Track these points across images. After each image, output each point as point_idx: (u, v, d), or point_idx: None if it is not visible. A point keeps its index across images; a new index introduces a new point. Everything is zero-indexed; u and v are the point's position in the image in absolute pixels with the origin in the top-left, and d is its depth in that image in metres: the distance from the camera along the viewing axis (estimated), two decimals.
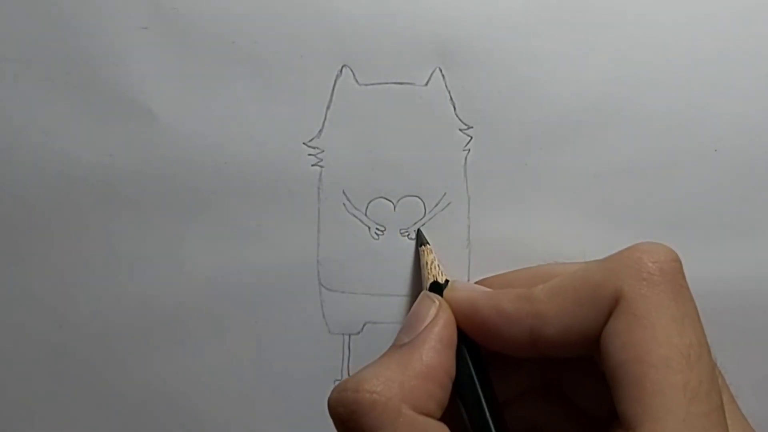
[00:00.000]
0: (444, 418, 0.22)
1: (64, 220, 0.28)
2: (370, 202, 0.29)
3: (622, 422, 0.20)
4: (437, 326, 0.24)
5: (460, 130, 0.29)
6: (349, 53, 0.28)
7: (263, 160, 0.28)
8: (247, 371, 0.29)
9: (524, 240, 0.29)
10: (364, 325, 0.29)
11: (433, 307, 0.24)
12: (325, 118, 0.28)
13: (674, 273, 0.22)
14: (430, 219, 0.29)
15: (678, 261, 0.22)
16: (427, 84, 0.29)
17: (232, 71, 0.28)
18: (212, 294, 0.29)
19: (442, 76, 0.29)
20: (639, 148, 0.29)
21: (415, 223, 0.29)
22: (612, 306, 0.22)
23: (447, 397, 0.23)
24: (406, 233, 0.29)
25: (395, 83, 0.29)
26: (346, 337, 0.29)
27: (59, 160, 0.28)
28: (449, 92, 0.29)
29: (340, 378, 0.29)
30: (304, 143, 0.28)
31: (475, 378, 0.24)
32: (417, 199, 0.29)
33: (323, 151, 0.28)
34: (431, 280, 0.27)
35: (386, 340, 0.29)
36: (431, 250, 0.28)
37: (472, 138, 0.29)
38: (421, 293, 0.26)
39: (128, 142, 0.28)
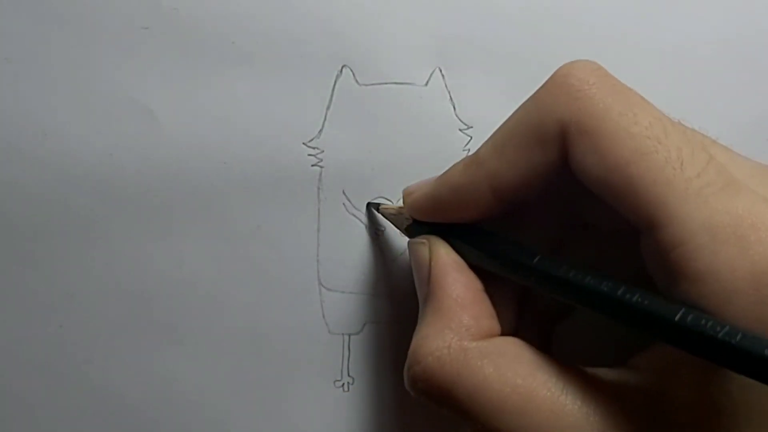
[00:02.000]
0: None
1: (64, 220, 0.28)
2: (370, 202, 0.29)
3: (639, 227, 0.20)
4: (439, 260, 0.24)
5: (460, 130, 0.29)
6: (349, 53, 0.28)
7: (263, 160, 0.28)
8: (247, 371, 0.29)
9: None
10: (364, 325, 0.29)
11: (423, 247, 0.24)
12: (325, 119, 0.28)
13: (602, 78, 0.21)
14: None
15: (601, 68, 0.22)
16: (427, 84, 0.29)
17: (232, 71, 0.28)
18: (212, 294, 0.29)
19: (442, 76, 0.29)
20: None
21: None
22: (561, 137, 0.21)
23: (492, 307, 0.23)
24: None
25: (395, 83, 0.29)
26: (346, 337, 0.29)
27: (59, 160, 0.28)
28: (449, 92, 0.29)
29: (340, 378, 0.29)
30: (304, 143, 0.28)
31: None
32: None
33: (323, 151, 0.28)
34: (409, 222, 0.26)
35: (386, 340, 0.29)
36: (388, 206, 0.28)
37: (472, 138, 0.29)
38: (407, 243, 0.26)
39: (128, 142, 0.28)
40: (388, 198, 0.29)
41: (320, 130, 0.28)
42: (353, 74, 0.28)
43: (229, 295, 0.29)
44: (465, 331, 0.22)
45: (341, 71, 0.28)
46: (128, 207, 0.28)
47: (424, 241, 0.25)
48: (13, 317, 0.28)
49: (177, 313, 0.28)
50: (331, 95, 0.28)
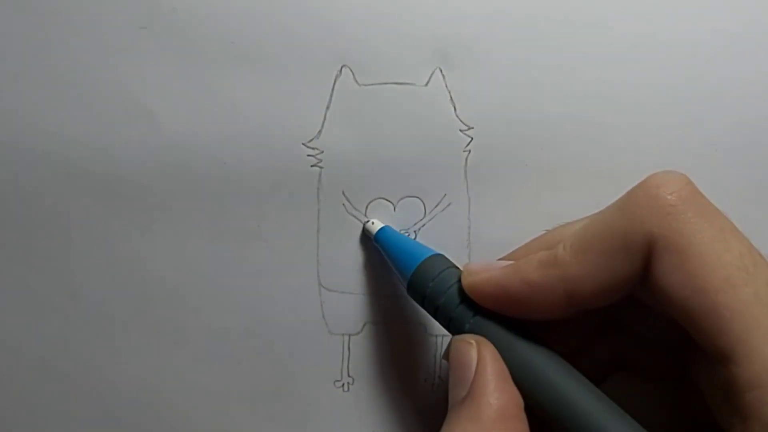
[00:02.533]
0: None
1: (64, 220, 0.28)
2: (369, 202, 0.29)
3: (712, 356, 0.20)
4: (487, 365, 0.22)
5: (461, 130, 0.29)
6: (349, 53, 0.28)
7: (263, 160, 0.28)
8: (247, 371, 0.29)
9: (524, 240, 0.29)
10: (364, 325, 0.29)
11: (471, 349, 0.23)
12: (324, 119, 0.28)
13: (694, 195, 0.21)
14: (430, 220, 0.29)
15: (691, 183, 0.21)
16: (427, 84, 0.28)
17: (232, 71, 0.28)
18: (212, 294, 0.29)
19: (442, 76, 0.28)
20: (639, 147, 0.29)
21: (415, 224, 0.29)
22: (646, 250, 0.21)
23: (527, 424, 0.22)
24: (406, 234, 0.29)
25: (395, 83, 0.28)
26: (346, 337, 0.29)
27: (59, 160, 0.28)
28: (449, 92, 0.29)
29: (339, 378, 0.29)
30: (303, 143, 0.28)
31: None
32: (417, 199, 0.29)
33: (323, 151, 0.28)
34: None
35: (386, 340, 0.29)
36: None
37: (472, 139, 0.29)
38: (452, 340, 0.24)
39: (128, 142, 0.28)
40: (388, 198, 0.29)
41: (320, 130, 0.28)
42: (353, 74, 0.28)
43: (229, 295, 0.29)
44: None
45: (341, 71, 0.28)
46: (128, 207, 0.28)
47: (472, 342, 0.23)
48: (13, 317, 0.28)
49: (177, 313, 0.29)
50: (331, 95, 0.28)
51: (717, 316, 0.19)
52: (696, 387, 0.23)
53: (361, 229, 0.29)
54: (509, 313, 0.23)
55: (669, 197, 0.21)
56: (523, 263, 0.23)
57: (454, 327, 0.24)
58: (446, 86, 0.28)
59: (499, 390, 0.22)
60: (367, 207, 0.29)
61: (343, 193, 0.29)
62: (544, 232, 0.26)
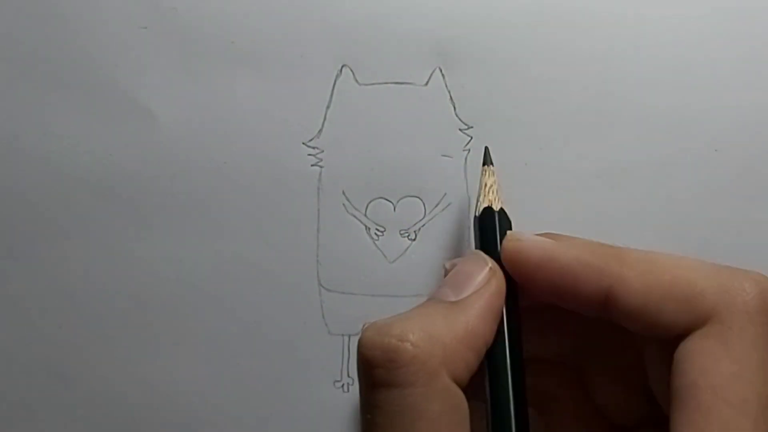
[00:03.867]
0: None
1: (64, 220, 0.28)
2: (369, 202, 0.29)
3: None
4: (488, 292, 0.22)
5: (460, 130, 0.29)
6: (349, 53, 0.28)
7: (263, 160, 0.28)
8: (247, 372, 0.29)
9: None
10: (364, 326, 0.29)
11: (486, 269, 0.23)
12: (324, 118, 0.28)
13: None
14: (430, 220, 0.29)
15: None
16: (427, 84, 0.29)
17: (232, 71, 0.28)
18: (212, 294, 0.29)
19: (442, 76, 0.29)
20: (639, 148, 0.29)
21: (415, 224, 0.29)
22: (703, 319, 0.20)
23: (477, 365, 0.22)
24: (406, 234, 0.29)
25: (395, 83, 0.28)
26: (346, 337, 0.29)
27: (59, 160, 0.28)
28: (449, 92, 0.29)
29: (339, 378, 0.29)
30: (303, 143, 0.28)
31: (509, 352, 0.23)
32: (417, 199, 0.29)
33: (323, 151, 0.28)
34: (485, 204, 0.25)
35: None
36: (494, 172, 0.26)
37: (472, 138, 0.29)
38: (473, 251, 0.24)
39: (128, 142, 0.28)
40: (388, 198, 0.29)
41: (320, 130, 0.28)
42: (353, 74, 0.28)
43: (228, 295, 0.29)
44: (451, 362, 0.20)
45: (341, 71, 0.28)
46: (128, 207, 0.28)
47: (490, 265, 0.23)
48: (13, 317, 0.28)
49: (176, 313, 0.29)
50: (331, 95, 0.28)
51: (707, 421, 0.19)
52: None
53: (361, 229, 0.29)
54: (540, 289, 0.23)
55: (758, 302, 0.20)
56: (582, 243, 0.23)
57: None
58: (446, 86, 0.28)
59: (482, 319, 0.22)
60: (367, 207, 0.29)
61: (343, 192, 0.29)
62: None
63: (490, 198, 0.25)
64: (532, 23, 0.29)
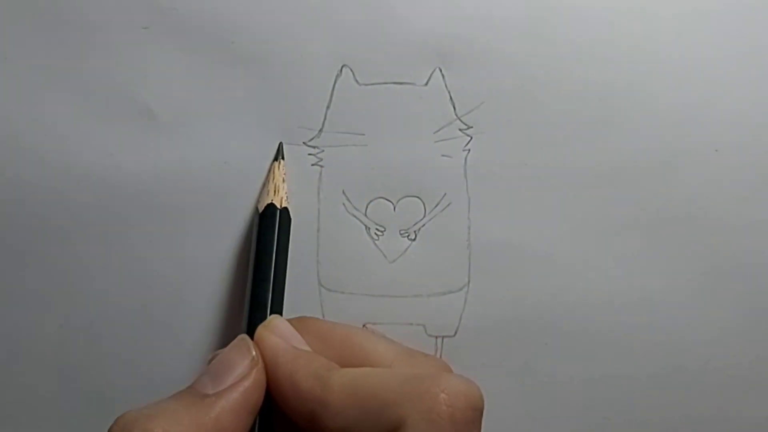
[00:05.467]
0: None
1: (64, 220, 0.28)
2: (369, 202, 0.29)
3: None
4: (244, 386, 0.22)
5: (460, 130, 0.29)
6: (349, 53, 0.28)
7: (263, 160, 0.28)
8: None
9: (524, 240, 0.29)
10: (363, 326, 0.29)
11: (247, 359, 0.23)
12: (325, 118, 0.28)
13: (466, 422, 0.21)
14: (430, 220, 0.29)
15: (477, 409, 0.21)
16: (427, 84, 0.29)
17: (232, 71, 0.28)
18: (212, 294, 0.29)
19: (442, 76, 0.29)
20: (639, 148, 0.29)
21: (415, 224, 0.29)
22: (394, 429, 0.21)
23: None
24: (406, 234, 0.29)
25: (395, 83, 0.28)
26: None
27: (59, 160, 0.28)
28: (449, 92, 0.29)
29: None
30: (304, 143, 0.28)
31: None
32: (417, 199, 0.29)
33: (323, 150, 0.28)
34: (268, 201, 0.26)
35: None
36: (283, 168, 0.27)
37: (472, 138, 0.29)
38: (239, 338, 0.24)
39: (128, 142, 0.28)
40: (388, 198, 0.29)
41: (320, 130, 0.28)
42: (353, 74, 0.28)
43: (229, 295, 0.29)
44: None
45: (341, 71, 0.28)
46: (128, 207, 0.28)
47: (253, 352, 0.24)
48: (13, 317, 0.28)
49: (177, 313, 0.29)
50: (331, 95, 0.28)
51: None
52: None
53: (361, 229, 0.29)
54: (261, 387, 0.23)
55: (444, 408, 0.21)
56: (302, 361, 0.23)
57: None
58: (446, 86, 0.28)
59: (234, 415, 0.22)
60: (367, 207, 0.29)
61: (343, 192, 0.29)
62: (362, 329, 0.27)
63: (275, 191, 0.26)
64: (532, 23, 0.29)
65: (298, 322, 0.26)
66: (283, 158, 0.27)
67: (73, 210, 0.28)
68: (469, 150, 0.29)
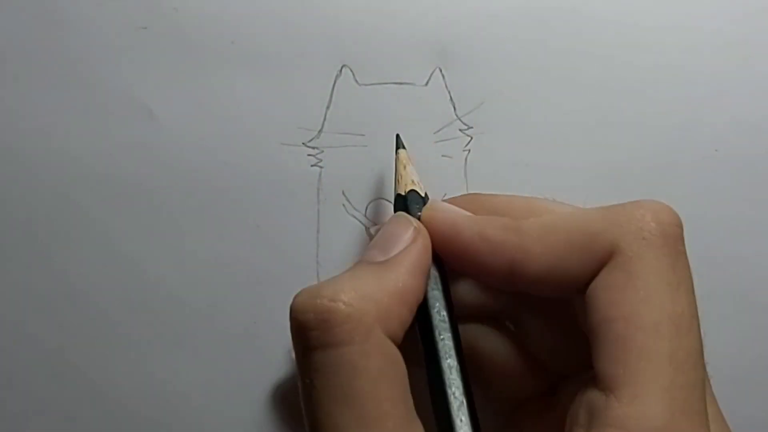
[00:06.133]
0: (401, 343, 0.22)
1: (64, 220, 0.28)
2: (369, 202, 0.29)
3: (599, 381, 0.20)
4: (415, 249, 0.22)
5: (460, 130, 0.29)
6: (349, 53, 0.28)
7: (263, 160, 0.28)
8: (247, 372, 0.29)
9: None
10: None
11: (411, 229, 0.23)
12: (324, 118, 0.28)
13: (676, 237, 0.21)
14: None
15: (680, 226, 0.21)
16: (427, 84, 0.29)
17: (232, 71, 0.28)
18: (212, 294, 0.29)
19: (442, 76, 0.29)
20: (639, 148, 0.29)
21: None
22: (605, 258, 0.21)
23: (410, 322, 0.22)
24: None
25: (395, 83, 0.28)
26: None
27: (59, 160, 0.28)
28: (449, 92, 0.29)
29: None
30: (303, 143, 0.28)
31: (441, 305, 0.23)
32: None
33: (323, 151, 0.28)
34: (410, 187, 0.25)
35: None
36: (409, 158, 0.27)
37: (472, 138, 0.29)
38: (397, 213, 0.25)
39: (128, 142, 0.28)
40: (388, 199, 0.29)
41: (320, 130, 0.28)
42: (353, 74, 0.28)
43: (228, 295, 0.29)
44: (384, 318, 0.20)
45: (341, 71, 0.28)
46: (128, 207, 0.28)
47: (414, 224, 0.23)
48: (13, 317, 0.28)
49: (176, 313, 0.29)
50: (331, 95, 0.28)
51: (626, 349, 0.19)
52: (561, 402, 0.23)
53: (361, 229, 0.29)
54: (449, 259, 0.23)
55: (653, 225, 0.21)
56: (487, 218, 0.23)
57: None
58: (446, 86, 0.28)
59: (412, 275, 0.22)
60: (367, 207, 0.29)
61: (343, 193, 0.29)
62: (532, 197, 0.26)
63: (411, 180, 0.26)
64: (532, 23, 0.29)
65: (469, 199, 0.25)
66: (404, 147, 0.27)
67: (73, 210, 0.28)
68: (469, 150, 0.29)
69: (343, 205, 0.29)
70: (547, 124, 0.29)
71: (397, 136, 0.27)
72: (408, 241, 0.23)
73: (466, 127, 0.29)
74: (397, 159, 0.27)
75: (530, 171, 0.29)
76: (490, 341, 0.25)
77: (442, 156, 0.29)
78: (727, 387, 0.30)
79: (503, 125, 0.29)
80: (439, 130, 0.29)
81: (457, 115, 0.29)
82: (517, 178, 0.29)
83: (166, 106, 0.28)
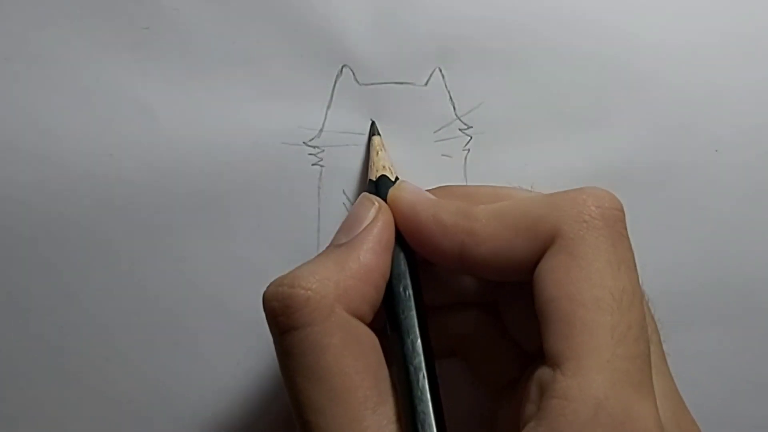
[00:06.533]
0: (373, 323, 0.23)
1: (64, 220, 0.28)
2: None
3: (547, 358, 0.20)
4: (375, 228, 0.23)
5: (460, 130, 0.29)
6: (349, 53, 0.28)
7: (263, 160, 0.28)
8: (247, 372, 0.29)
9: None
10: None
11: (372, 208, 0.24)
12: (325, 118, 0.28)
13: (615, 220, 0.22)
14: None
15: (620, 210, 0.22)
16: (427, 84, 0.29)
17: (232, 71, 0.28)
18: (212, 294, 0.29)
19: (442, 76, 0.29)
20: (639, 148, 0.29)
21: None
22: (548, 242, 0.22)
23: (380, 300, 0.23)
24: None
25: (395, 83, 0.29)
26: None
27: (59, 160, 0.28)
28: (449, 92, 0.29)
29: None
30: (304, 143, 0.28)
31: (406, 283, 0.24)
32: None
33: (323, 150, 0.28)
34: (380, 172, 0.26)
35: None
36: (382, 144, 0.28)
37: (472, 138, 0.29)
38: (361, 195, 0.26)
39: (128, 142, 0.28)
40: None
41: (320, 130, 0.28)
42: (353, 74, 0.28)
43: (229, 295, 0.29)
44: (346, 298, 0.22)
45: (341, 71, 0.28)
46: (128, 207, 0.28)
47: (375, 203, 0.24)
48: (13, 318, 0.28)
49: (177, 313, 0.28)
50: (331, 95, 0.28)
51: (569, 325, 0.20)
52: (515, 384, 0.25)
53: None
54: (409, 239, 0.24)
55: (593, 209, 0.22)
56: (442, 202, 0.24)
57: None
58: (446, 86, 0.29)
59: (373, 252, 0.23)
60: None
61: (344, 192, 0.29)
62: (500, 186, 0.27)
63: (382, 165, 0.27)
64: (531, 23, 0.29)
65: (440, 191, 0.26)
66: (379, 134, 0.28)
67: (73, 210, 0.28)
68: (469, 150, 0.29)
69: (344, 204, 0.29)
70: (546, 124, 0.29)
71: (372, 122, 0.28)
72: (369, 220, 0.24)
73: (465, 127, 0.29)
74: (371, 145, 0.28)
75: (530, 171, 0.29)
76: (473, 326, 0.26)
77: (442, 156, 0.29)
78: (727, 387, 0.30)
79: (503, 125, 0.29)
80: (438, 130, 0.29)
81: (456, 115, 0.29)
82: (516, 178, 0.29)
83: (166, 106, 0.28)
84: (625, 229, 0.22)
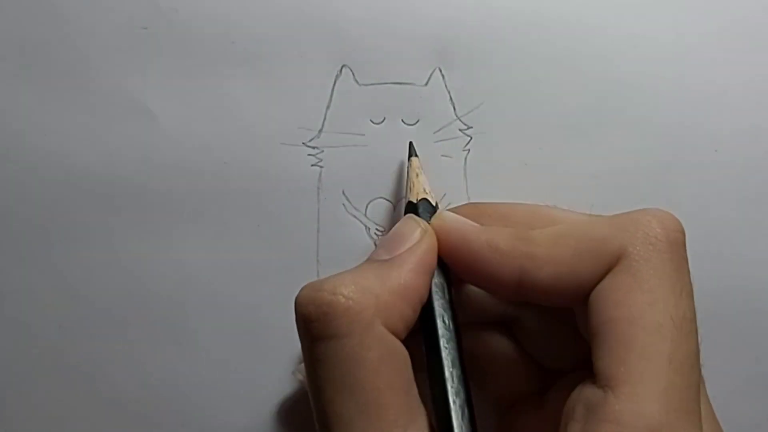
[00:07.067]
0: (405, 341, 0.22)
1: (64, 220, 0.28)
2: (369, 202, 0.29)
3: (598, 379, 0.20)
4: (420, 249, 0.23)
5: (460, 130, 0.29)
6: (349, 53, 0.28)
7: (263, 160, 0.28)
8: (247, 372, 0.29)
9: None
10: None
11: (418, 230, 0.24)
12: (324, 118, 0.28)
13: (679, 244, 0.22)
14: None
15: (683, 233, 0.22)
16: (427, 84, 0.29)
17: (232, 71, 0.28)
18: (212, 294, 0.29)
19: (442, 76, 0.29)
20: (639, 148, 0.29)
21: None
22: (612, 263, 0.21)
23: (414, 321, 0.22)
24: None
25: (395, 83, 0.28)
26: None
27: (59, 160, 0.28)
28: (449, 92, 0.29)
29: None
30: (303, 143, 0.28)
31: (443, 307, 0.23)
32: None
33: (323, 151, 0.28)
34: (421, 195, 0.26)
35: None
36: (421, 166, 0.27)
37: (472, 138, 0.29)
38: (407, 215, 0.25)
39: (128, 142, 0.28)
40: (388, 198, 0.29)
41: (320, 130, 0.28)
42: (353, 74, 0.28)
43: (229, 295, 0.29)
44: (385, 313, 0.21)
45: (341, 71, 0.28)
46: (128, 207, 0.28)
47: (422, 225, 0.24)
48: (13, 317, 0.28)
49: (177, 313, 0.29)
50: (331, 95, 0.28)
51: (628, 348, 0.20)
52: (552, 400, 0.24)
53: (361, 229, 0.29)
54: (458, 268, 0.24)
55: (659, 231, 0.21)
56: (494, 229, 0.23)
57: None
58: (446, 86, 0.28)
59: (415, 273, 0.22)
60: (367, 207, 0.29)
61: (343, 192, 0.29)
62: (537, 204, 0.26)
63: (422, 189, 0.26)
64: (531, 24, 0.29)
65: (471, 208, 0.26)
66: (417, 155, 0.28)
67: (73, 210, 0.28)
68: (469, 150, 0.29)
69: (343, 204, 0.29)
70: (546, 124, 0.29)
71: (410, 144, 0.28)
72: (413, 242, 0.23)
73: (465, 127, 0.29)
74: (409, 167, 0.27)
75: (529, 171, 0.29)
76: (487, 342, 0.26)
77: (442, 156, 0.29)
78: (727, 387, 0.30)
79: (503, 125, 0.29)
80: (438, 130, 0.29)
81: (456, 115, 0.29)
82: (516, 178, 0.29)
83: (166, 106, 0.28)
84: (686, 253, 0.22)
